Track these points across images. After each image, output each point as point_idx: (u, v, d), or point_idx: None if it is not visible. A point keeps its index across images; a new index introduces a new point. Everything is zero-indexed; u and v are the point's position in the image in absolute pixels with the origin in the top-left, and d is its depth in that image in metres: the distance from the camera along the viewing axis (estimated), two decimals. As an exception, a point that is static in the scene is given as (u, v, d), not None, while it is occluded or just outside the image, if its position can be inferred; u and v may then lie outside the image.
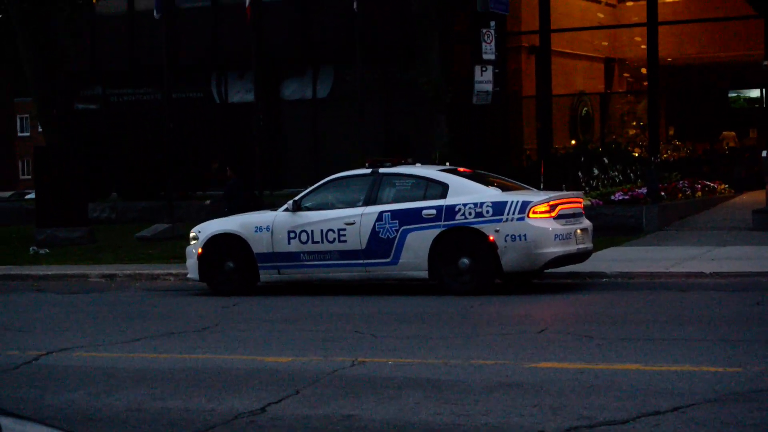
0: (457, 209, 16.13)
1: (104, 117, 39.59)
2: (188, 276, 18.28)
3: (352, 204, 16.98)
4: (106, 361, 11.46)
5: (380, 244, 16.51)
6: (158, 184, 32.86)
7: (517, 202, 15.96)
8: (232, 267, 17.57)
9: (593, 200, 25.60)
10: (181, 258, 19.48)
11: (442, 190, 16.45)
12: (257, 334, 13.12)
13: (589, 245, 17.33)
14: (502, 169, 26.06)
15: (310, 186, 17.89)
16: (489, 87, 22.91)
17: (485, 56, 22.99)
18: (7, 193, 66.52)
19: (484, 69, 22.78)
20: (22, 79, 37.57)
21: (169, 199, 29.33)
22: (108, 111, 39.72)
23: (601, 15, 36.79)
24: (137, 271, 21.66)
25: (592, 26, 36.58)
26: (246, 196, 23.98)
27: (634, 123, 37.21)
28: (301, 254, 17.07)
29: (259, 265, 17.38)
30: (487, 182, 16.87)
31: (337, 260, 16.84)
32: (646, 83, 34.18)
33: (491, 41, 23.04)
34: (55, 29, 34.94)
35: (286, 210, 17.31)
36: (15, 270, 23.58)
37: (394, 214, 16.47)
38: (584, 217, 17.46)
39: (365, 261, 16.69)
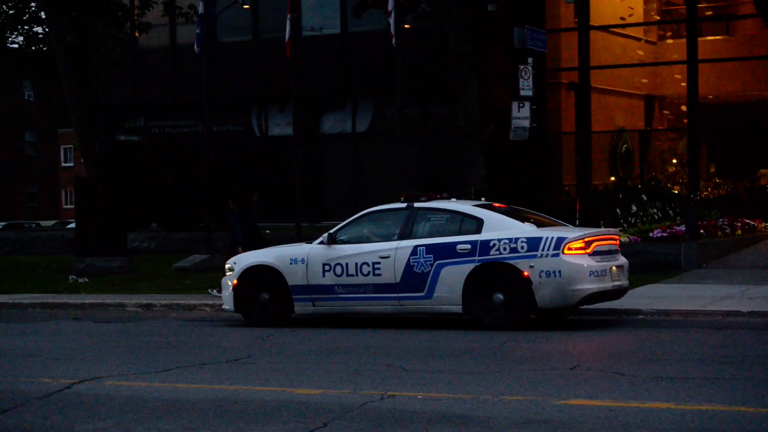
0: (491, 244, 16.11)
1: (146, 149, 40.01)
2: (223, 307, 18.34)
3: (387, 238, 17.01)
4: (136, 390, 11.50)
5: (414, 278, 16.50)
6: (198, 215, 33.02)
7: (552, 238, 15.93)
8: (267, 298, 17.63)
9: (631, 237, 25.46)
10: (217, 289, 19.53)
11: (477, 225, 16.46)
12: (289, 366, 13.13)
13: (624, 282, 17.22)
14: (541, 205, 25.99)
15: (347, 219, 17.94)
16: (526, 123, 22.91)
17: (522, 92, 23.01)
18: (50, 222, 67.09)
19: (521, 105, 22.79)
20: (66, 111, 38.00)
21: (208, 231, 29.48)
22: (150, 143, 40.14)
23: (641, 52, 36.75)
24: (174, 301, 21.77)
25: (632, 63, 36.52)
26: (245, 229, 24.08)
27: (674, 160, 37.04)
28: (336, 287, 17.11)
29: (293, 297, 17.43)
30: (522, 218, 16.85)
31: (372, 293, 16.85)
32: (686, 120, 34.05)
33: (529, 77, 23.06)
34: (97, 62, 35.36)
35: (321, 243, 17.36)
36: (54, 298, 23.77)
37: (429, 248, 16.47)
38: (620, 254, 17.34)
39: (399, 295, 16.69)
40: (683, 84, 32.64)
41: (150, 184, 36.90)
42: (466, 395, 10.58)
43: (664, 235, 25.15)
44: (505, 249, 16.01)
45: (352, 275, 16.95)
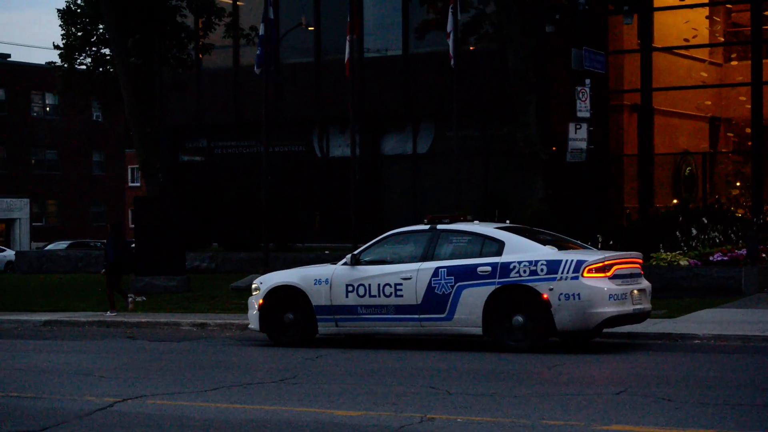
0: (511, 267, 16.15)
1: (207, 169, 40.30)
2: (249, 326, 18.51)
3: (409, 259, 17.08)
4: (178, 409, 11.51)
5: (436, 300, 16.58)
6: (257, 235, 33.16)
7: (572, 261, 15.92)
8: (292, 318, 17.82)
9: (691, 260, 25.13)
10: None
11: (498, 247, 16.50)
12: (332, 387, 13.07)
13: (646, 306, 17.03)
14: (601, 228, 25.78)
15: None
16: (583, 145, 22.70)
17: (580, 114, 22.83)
18: (116, 242, 67.92)
19: (578, 127, 22.60)
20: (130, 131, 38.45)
21: (265, 250, 29.59)
22: (211, 163, 40.44)
23: (705, 74, 36.32)
24: (228, 321, 21.83)
25: (696, 85, 36.11)
26: (118, 252, 24.89)
27: (738, 183, 36.48)
28: (359, 307, 17.23)
29: (317, 317, 17.56)
30: (543, 240, 16.85)
31: (393, 314, 16.95)
32: (750, 143, 33.57)
33: (586, 99, 22.87)
34: (161, 83, 35.74)
35: (345, 264, 17.50)
36: (111, 317, 23.92)
37: (450, 270, 16.54)
38: (642, 277, 17.16)
39: (421, 316, 16.75)
40: (748, 106, 32.19)
41: (211, 204, 37.13)
42: (506, 419, 10.45)
43: (725, 258, 24.78)
44: (525, 271, 16.05)
45: (374, 296, 17.07)
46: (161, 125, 39.48)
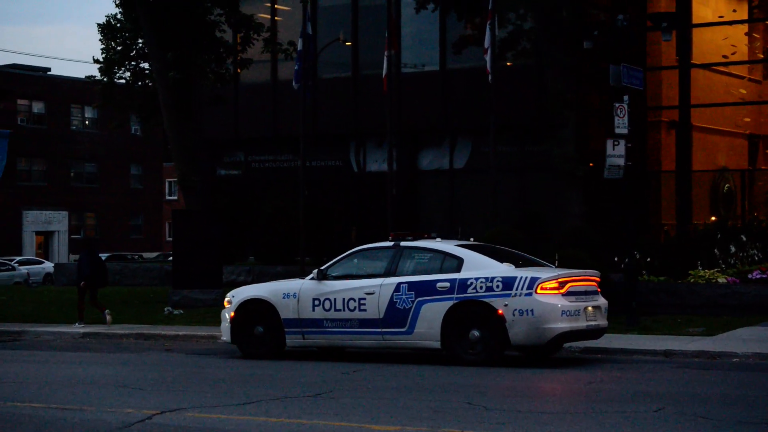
0: (469, 283, 16.70)
1: (245, 182, 40.49)
2: (222, 338, 19.14)
3: (373, 275, 17.69)
4: (216, 422, 11.57)
5: (397, 314, 17.16)
6: (294, 248, 33.25)
7: (526, 278, 16.43)
8: (262, 331, 18.44)
9: (729, 278, 24.98)
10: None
11: (457, 264, 17.06)
12: (370, 402, 13.10)
13: (602, 323, 17.47)
14: (638, 245, 25.63)
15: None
16: (621, 161, 22.60)
17: (617, 130, 22.72)
18: (154, 254, 68.32)
19: (616, 143, 22.50)
20: (169, 145, 38.67)
21: (302, 264, 29.65)
22: (248, 176, 40.62)
23: (744, 90, 36.14)
24: (264, 335, 21.84)
25: (735, 102, 35.93)
26: (93, 266, 25.46)
27: (778, 200, 36.23)
28: (324, 321, 17.85)
29: (285, 330, 18.19)
30: (501, 258, 17.31)
31: (357, 328, 17.55)
32: (790, 160, 33.38)
33: (624, 115, 22.77)
34: (199, 98, 35.94)
35: (312, 279, 18.14)
36: (149, 329, 24.09)
37: (411, 285, 17.14)
38: (599, 295, 17.62)
39: (383, 330, 17.34)
40: (788, 123, 31.99)
41: (248, 218, 37.29)
42: (543, 436, 10.44)
43: (764, 276, 24.63)
44: (481, 288, 16.61)
45: (339, 310, 17.67)
46: (199, 139, 39.64)
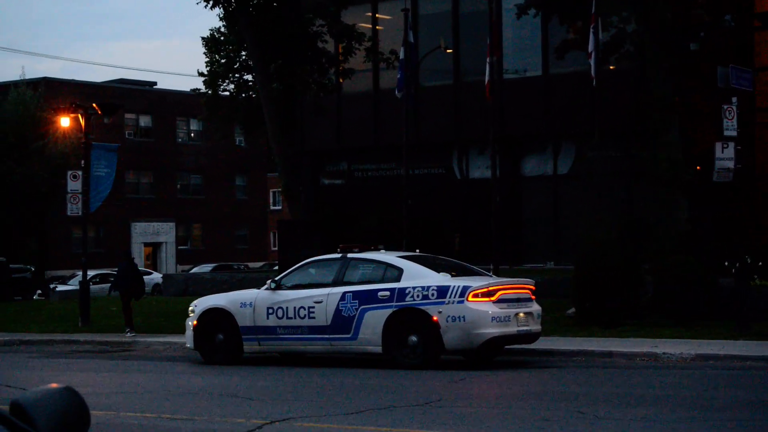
0: (407, 291, 17.72)
1: (348, 191, 40.66)
2: (186, 345, 20.28)
3: (322, 284, 18.75)
4: (325, 432, 11.61)
5: (343, 321, 18.22)
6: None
7: (459, 286, 17.39)
8: (221, 339, 19.51)
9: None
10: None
11: (398, 274, 18.10)
12: (478, 411, 13.03)
13: (534, 327, 18.18)
14: (750, 248, 25.14)
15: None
16: (730, 164, 22.21)
17: (726, 133, 22.34)
18: (259, 264, 68.92)
19: (725, 146, 22.12)
20: (272, 156, 39.05)
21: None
22: (352, 186, 40.79)
23: None
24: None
25: None
26: (131, 277, 26.40)
27: None
28: (278, 328, 18.98)
29: (243, 337, 19.30)
30: (439, 268, 18.26)
31: (307, 334, 18.64)
32: None
33: (733, 117, 22.38)
34: (302, 108, 36.25)
35: (268, 288, 19.25)
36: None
37: (355, 294, 18.21)
38: (533, 302, 18.38)
39: (330, 336, 18.41)
40: None
41: (352, 226, 37.44)
42: (657, 445, 10.25)
43: None
44: (418, 296, 17.61)
45: (291, 318, 18.78)
46: (303, 149, 40.03)
